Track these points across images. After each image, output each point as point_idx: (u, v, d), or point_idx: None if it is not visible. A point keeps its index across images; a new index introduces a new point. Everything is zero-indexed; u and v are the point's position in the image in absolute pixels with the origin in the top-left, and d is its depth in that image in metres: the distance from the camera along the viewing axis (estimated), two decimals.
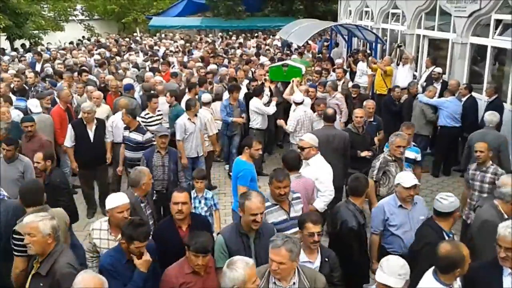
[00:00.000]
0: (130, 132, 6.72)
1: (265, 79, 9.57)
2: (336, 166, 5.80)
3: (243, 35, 23.37)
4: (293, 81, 8.79)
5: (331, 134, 6.35)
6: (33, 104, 8.00)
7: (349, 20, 18.15)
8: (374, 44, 14.20)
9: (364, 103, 7.69)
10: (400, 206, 4.45)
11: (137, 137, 6.66)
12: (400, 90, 9.47)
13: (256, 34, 23.44)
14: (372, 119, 7.66)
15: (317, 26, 15.71)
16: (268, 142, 9.69)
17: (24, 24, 20.83)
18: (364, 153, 6.66)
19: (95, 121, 7.13)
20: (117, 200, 4.01)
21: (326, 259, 3.73)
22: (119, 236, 3.77)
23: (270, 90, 9.33)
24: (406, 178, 4.43)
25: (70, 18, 28.68)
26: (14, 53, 16.26)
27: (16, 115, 7.54)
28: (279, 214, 4.20)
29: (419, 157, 6.41)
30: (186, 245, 3.43)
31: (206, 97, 8.25)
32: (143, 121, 7.29)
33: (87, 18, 32.97)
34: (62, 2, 26.45)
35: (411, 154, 6.22)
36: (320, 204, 5.16)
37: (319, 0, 25.15)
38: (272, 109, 8.57)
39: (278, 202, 4.21)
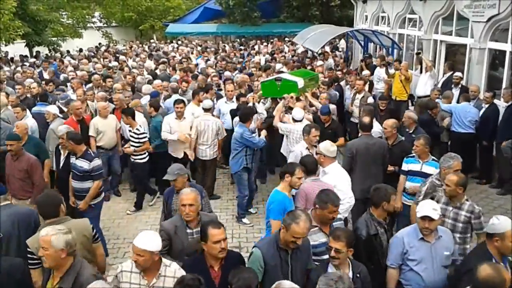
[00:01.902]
0: (76, 159, 5.98)
1: (252, 97, 8.23)
2: (375, 175, 5.87)
3: (259, 41, 23.36)
4: (284, 98, 7.83)
5: (370, 142, 6.16)
6: (52, 109, 8.10)
7: (365, 26, 18.03)
8: (390, 49, 14.07)
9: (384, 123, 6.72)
10: (422, 238, 3.97)
11: (83, 164, 5.89)
12: (440, 111, 8.41)
13: (271, 40, 23.44)
14: (411, 131, 6.94)
15: (333, 31, 15.66)
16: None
17: (43, 31, 21.18)
18: (390, 168, 6.22)
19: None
20: (150, 243, 3.36)
21: (358, 275, 3.62)
22: (154, 281, 3.41)
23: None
24: (423, 207, 3.94)
25: (88, 25, 29.05)
26: (33, 60, 16.54)
27: (32, 123, 7.65)
28: (319, 236, 4.07)
29: (437, 171, 5.64)
30: (229, 284, 3.24)
31: (207, 103, 8.16)
32: (134, 137, 7.42)
33: (105, 25, 33.41)
34: (80, 10, 26.83)
35: (428, 168, 5.66)
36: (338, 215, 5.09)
37: (335, 5, 25.03)
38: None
39: (321, 225, 4.08)
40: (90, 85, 10.47)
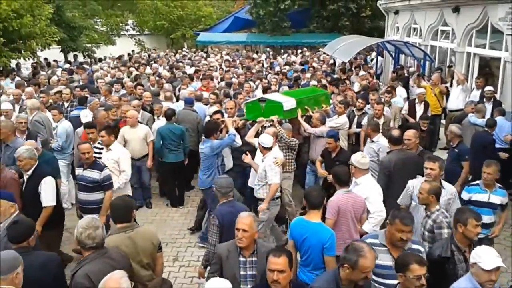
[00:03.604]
0: (84, 170, 5.85)
1: (221, 121, 7.32)
2: None
3: (289, 51, 23.44)
4: (258, 122, 7.23)
5: (404, 157, 6.07)
6: (84, 114, 8.32)
7: (396, 37, 17.88)
8: (422, 61, 13.90)
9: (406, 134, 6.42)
10: None
11: (93, 174, 5.76)
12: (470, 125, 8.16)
13: (300, 50, 23.43)
14: (455, 145, 6.91)
15: (364, 42, 15.58)
16: None
17: (78, 38, 21.77)
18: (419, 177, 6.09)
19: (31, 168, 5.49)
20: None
21: None
22: None
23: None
24: (486, 256, 3.31)
25: (121, 32, 29.73)
26: (67, 65, 17.01)
27: (68, 126, 7.87)
28: (385, 257, 3.80)
29: (505, 200, 5.41)
30: None
31: (211, 109, 8.23)
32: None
33: (138, 33, 34.12)
34: (114, 17, 27.48)
35: (496, 198, 5.30)
36: (369, 226, 5.03)
37: (366, 16, 24.95)
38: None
39: (391, 247, 3.84)
40: (124, 91, 10.68)
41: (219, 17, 35.74)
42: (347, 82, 11.89)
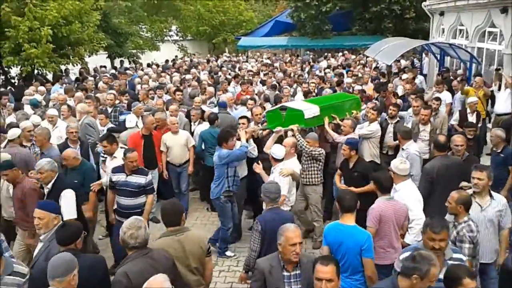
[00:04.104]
0: (128, 175, 5.88)
1: (246, 131, 6.97)
2: None
3: (329, 54, 23.22)
4: (275, 131, 6.99)
5: (449, 163, 5.90)
6: (128, 119, 8.54)
7: (441, 39, 17.40)
8: (469, 64, 13.47)
9: (454, 140, 6.28)
10: None
11: (139, 180, 5.86)
12: None
13: (341, 53, 23.17)
14: (499, 150, 6.68)
15: (408, 44, 15.28)
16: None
17: (124, 44, 22.43)
18: (463, 184, 5.71)
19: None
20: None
21: None
22: None
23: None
24: None
25: (165, 38, 30.40)
26: (113, 71, 17.54)
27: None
28: None
29: None
30: None
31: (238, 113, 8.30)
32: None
33: (181, 38, 34.83)
34: (158, 23, 28.15)
35: None
36: (410, 237, 4.92)
37: (410, 18, 24.35)
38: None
39: None
40: (168, 97, 10.85)
41: (260, 21, 35.95)
42: (391, 85, 11.57)
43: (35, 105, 9.81)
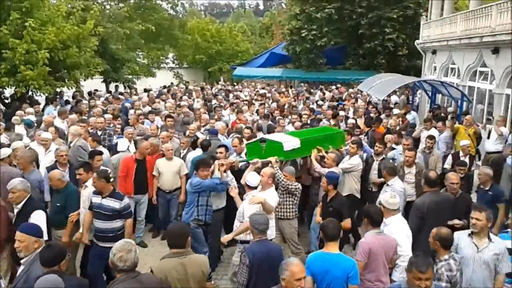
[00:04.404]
0: (103, 198, 5.77)
1: (221, 164, 6.73)
2: None
3: (322, 86, 23.49)
4: (251, 163, 6.86)
5: (439, 199, 5.86)
6: (120, 143, 8.52)
7: (433, 76, 17.73)
8: (460, 102, 13.68)
9: (449, 177, 6.26)
10: None
11: (113, 203, 5.73)
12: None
13: (333, 87, 23.43)
14: (487, 188, 6.67)
15: (400, 80, 15.52)
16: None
17: (120, 69, 22.59)
18: (454, 222, 5.79)
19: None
20: None
21: None
22: None
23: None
24: None
25: (161, 65, 30.70)
26: (108, 95, 17.59)
27: (104, 153, 7.96)
28: None
29: None
30: None
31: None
32: None
33: (177, 66, 35.21)
34: (155, 51, 28.43)
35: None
36: (397, 274, 4.90)
37: (403, 55, 24.87)
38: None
39: None
40: (161, 122, 10.88)
41: (256, 52, 36.66)
42: (385, 121, 11.54)
43: (29, 125, 9.81)
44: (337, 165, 7.26)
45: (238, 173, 7.27)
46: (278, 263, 3.77)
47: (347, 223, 6.02)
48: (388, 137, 9.16)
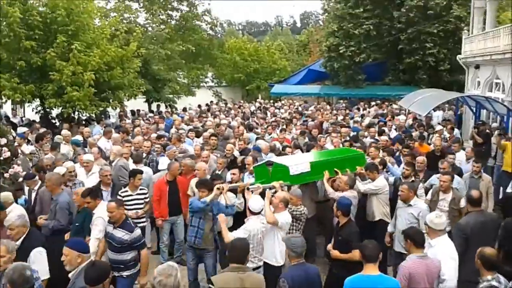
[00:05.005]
0: (114, 228, 5.58)
1: (218, 188, 6.26)
2: None
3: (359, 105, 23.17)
4: (248, 188, 6.46)
5: (484, 219, 5.65)
6: (161, 162, 8.69)
7: (477, 91, 17.21)
8: (505, 117, 13.22)
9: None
10: None
11: (123, 235, 5.50)
12: None
13: (373, 103, 23.03)
14: None
15: (443, 96, 15.20)
16: None
17: (162, 89, 23.19)
18: None
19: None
20: None
21: None
22: None
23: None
24: None
25: (201, 84, 31.32)
26: (151, 114, 18.06)
27: (145, 172, 8.08)
28: None
29: None
30: None
31: None
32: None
33: (216, 84, 35.85)
34: (195, 70, 29.06)
35: None
36: None
37: (444, 70, 24.28)
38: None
39: None
40: (201, 140, 10.99)
41: (294, 69, 36.80)
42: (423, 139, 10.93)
43: (77, 144, 10.16)
44: (350, 188, 6.87)
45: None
46: (317, 286, 3.74)
47: (354, 255, 5.25)
48: (419, 159, 8.37)
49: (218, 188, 6.23)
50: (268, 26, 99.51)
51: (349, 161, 7.55)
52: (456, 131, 13.59)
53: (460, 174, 8.06)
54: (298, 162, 6.83)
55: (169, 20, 28.03)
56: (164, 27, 26.29)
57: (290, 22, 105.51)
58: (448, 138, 11.56)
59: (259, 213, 5.69)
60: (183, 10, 28.40)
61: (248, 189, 6.45)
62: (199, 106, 22.29)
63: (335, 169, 7.11)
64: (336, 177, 7.09)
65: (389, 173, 8.19)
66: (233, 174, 7.41)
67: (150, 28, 26.28)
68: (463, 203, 6.58)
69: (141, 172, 7.38)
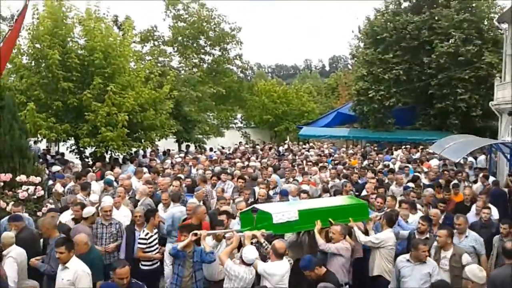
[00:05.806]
0: None
1: (194, 234, 6.09)
2: None
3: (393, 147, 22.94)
4: (225, 237, 6.40)
5: None
6: (190, 201, 8.74)
7: (510, 138, 16.82)
8: None
9: None
10: None
11: None
12: None
13: (404, 147, 22.70)
14: None
15: (476, 142, 14.92)
16: None
17: (192, 130, 23.64)
18: None
19: None
20: None
21: None
22: None
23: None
24: None
25: (230, 125, 31.77)
26: (182, 155, 18.33)
27: (179, 211, 8.23)
28: None
29: None
30: None
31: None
32: (143, 243, 7.01)
33: (245, 126, 36.27)
34: (225, 112, 29.59)
35: None
36: None
37: (476, 116, 23.88)
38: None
39: None
40: (231, 183, 11.11)
41: (322, 112, 36.96)
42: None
43: (109, 183, 10.41)
44: (344, 237, 6.52)
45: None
46: None
47: None
48: (432, 212, 7.79)
49: (194, 234, 6.01)
50: (297, 69, 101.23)
51: (348, 210, 7.10)
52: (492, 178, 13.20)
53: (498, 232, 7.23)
54: (284, 210, 6.48)
55: (201, 64, 28.94)
56: (196, 70, 27.08)
57: (319, 65, 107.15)
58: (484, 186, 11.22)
59: (251, 264, 5.54)
60: (215, 54, 29.32)
61: (224, 237, 6.37)
62: (222, 147, 22.49)
63: (329, 219, 6.71)
64: (330, 228, 6.64)
65: (399, 226, 7.60)
66: (222, 219, 7.22)
67: (182, 71, 27.07)
68: (465, 259, 6.02)
69: (157, 210, 7.68)
